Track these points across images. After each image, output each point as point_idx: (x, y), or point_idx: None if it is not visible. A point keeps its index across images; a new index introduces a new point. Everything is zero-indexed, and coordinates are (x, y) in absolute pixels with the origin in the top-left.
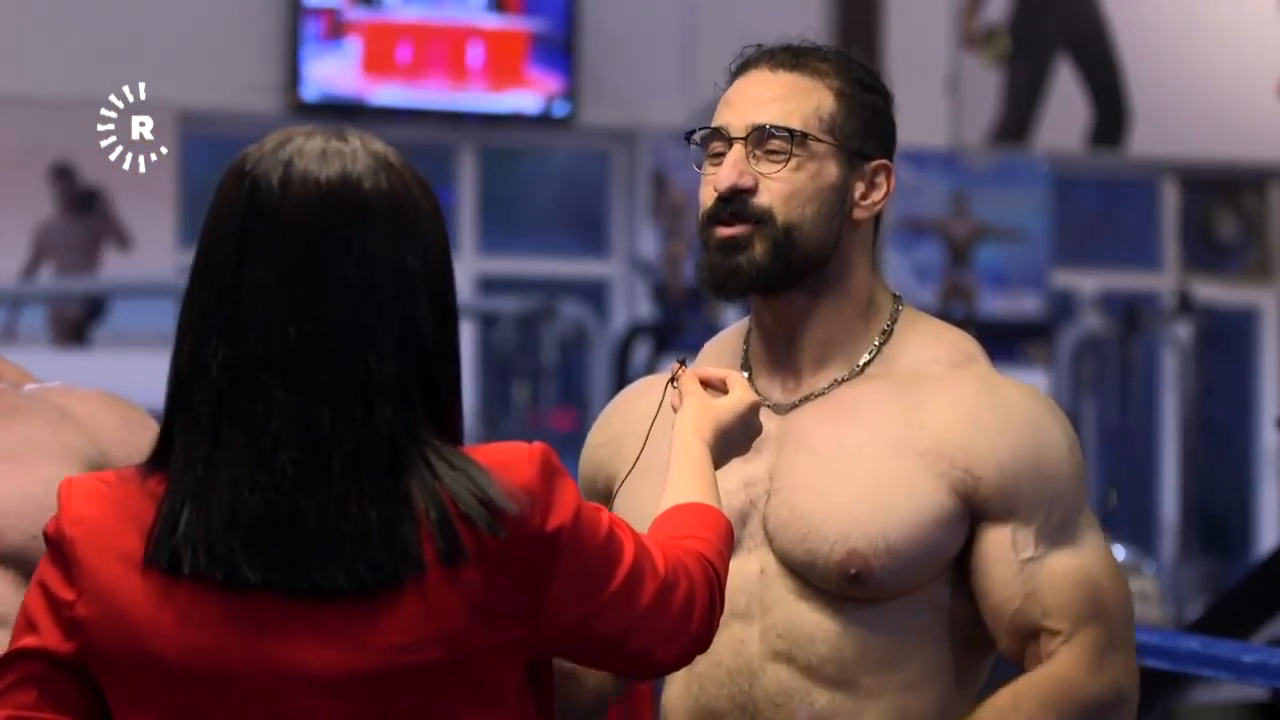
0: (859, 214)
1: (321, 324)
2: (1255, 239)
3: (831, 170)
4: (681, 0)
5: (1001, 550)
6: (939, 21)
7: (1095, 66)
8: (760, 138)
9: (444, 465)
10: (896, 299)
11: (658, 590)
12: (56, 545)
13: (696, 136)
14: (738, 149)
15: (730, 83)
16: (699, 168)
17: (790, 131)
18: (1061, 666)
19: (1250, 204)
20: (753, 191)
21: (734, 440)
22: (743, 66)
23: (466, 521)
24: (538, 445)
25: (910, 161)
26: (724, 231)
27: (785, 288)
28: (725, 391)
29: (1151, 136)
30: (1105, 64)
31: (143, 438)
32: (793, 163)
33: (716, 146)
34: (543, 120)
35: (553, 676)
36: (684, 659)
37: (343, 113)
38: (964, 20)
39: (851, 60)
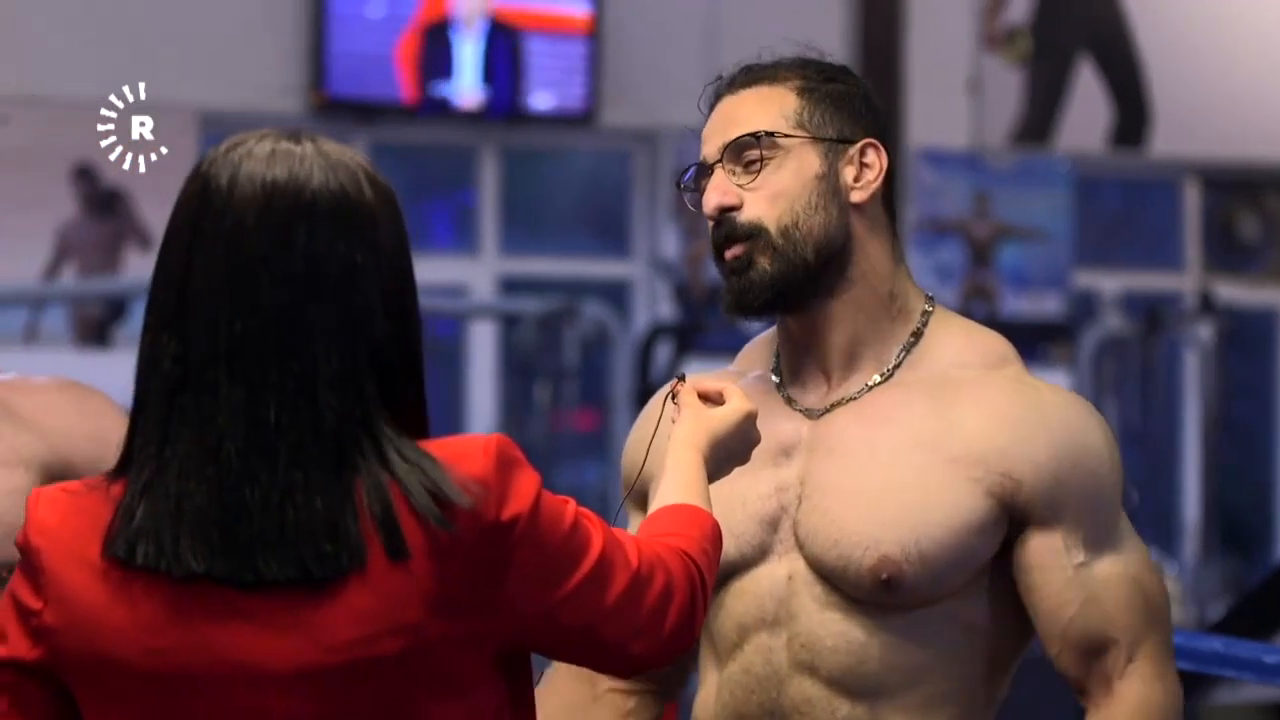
0: (856, 196)
1: (266, 318)
2: (1277, 239)
3: (812, 161)
4: (703, 0)
5: (1053, 556)
6: (960, 22)
7: (1117, 67)
8: (734, 153)
9: (396, 458)
10: (928, 299)
11: (629, 583)
12: (25, 555)
13: (686, 180)
14: (717, 173)
15: (705, 117)
16: (698, 209)
17: (756, 135)
18: (1141, 692)
19: (1272, 204)
20: (739, 207)
21: (731, 449)
22: (710, 100)
23: (417, 515)
24: (495, 436)
25: (932, 162)
26: (727, 255)
27: (810, 293)
28: (722, 402)
29: (1173, 137)
30: (1127, 64)
31: (103, 424)
32: (769, 165)
33: (704, 183)
34: (564, 120)
35: (529, 667)
36: (662, 655)
37: (364, 113)
38: (985, 21)
39: (810, 61)
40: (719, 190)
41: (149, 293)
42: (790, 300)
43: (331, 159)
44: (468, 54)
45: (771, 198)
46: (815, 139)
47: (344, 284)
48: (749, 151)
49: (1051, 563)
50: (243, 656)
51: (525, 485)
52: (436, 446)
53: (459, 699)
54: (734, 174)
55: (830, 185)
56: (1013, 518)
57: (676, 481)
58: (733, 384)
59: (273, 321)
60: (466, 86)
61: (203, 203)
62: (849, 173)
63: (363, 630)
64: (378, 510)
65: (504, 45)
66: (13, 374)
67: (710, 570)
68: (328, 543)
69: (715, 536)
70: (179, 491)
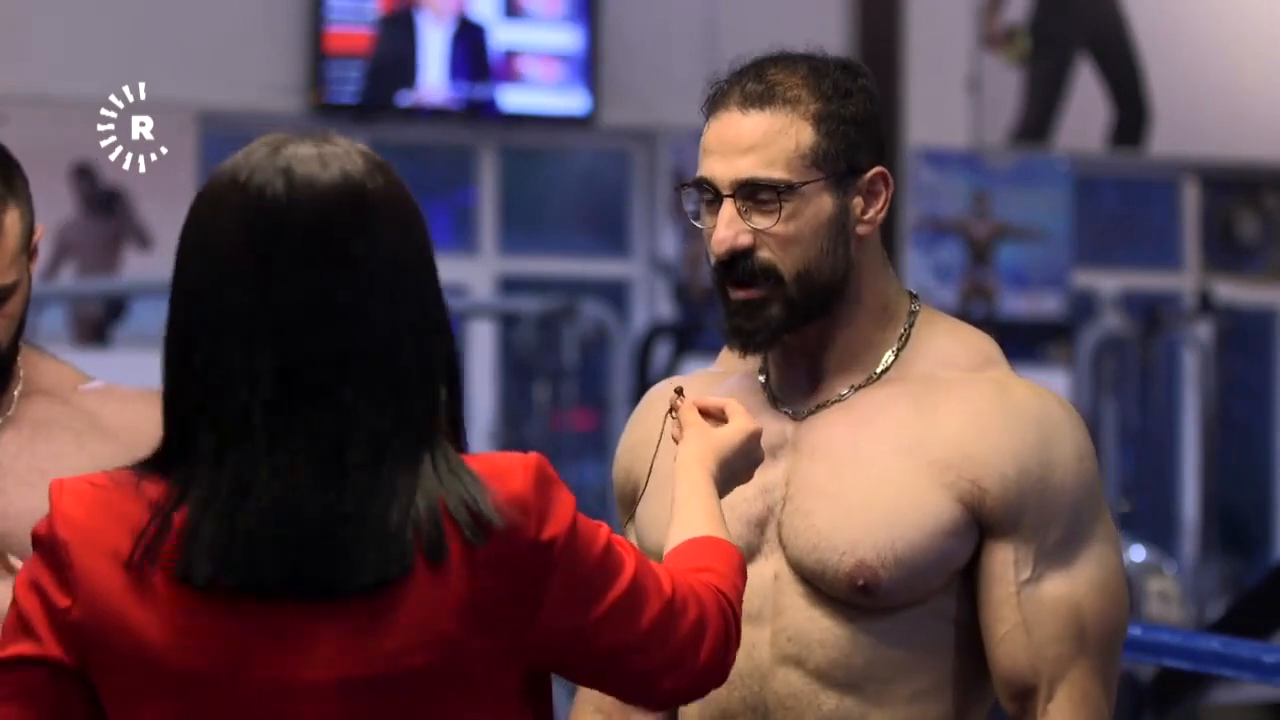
0: (863, 230)
1: (353, 326)
2: (1276, 239)
3: (826, 203)
4: (703, 0)
5: (1003, 569)
6: (960, 21)
7: (1116, 66)
8: (748, 192)
9: (445, 470)
10: (913, 299)
11: (662, 611)
12: (49, 548)
13: (689, 198)
14: (728, 207)
15: (707, 120)
16: (697, 220)
17: (775, 186)
18: None
19: (1271, 204)
20: (753, 248)
21: (736, 469)
22: (714, 105)
23: (458, 529)
24: (533, 455)
25: (931, 161)
26: (739, 295)
27: (808, 324)
28: (724, 420)
29: (1172, 136)
30: (1126, 63)
31: None
32: (785, 210)
33: (708, 196)
34: (563, 120)
35: (550, 689)
36: (694, 689)
37: (363, 113)
38: (985, 20)
39: (825, 68)
40: (733, 230)
41: (185, 302)
42: (791, 331)
43: (368, 158)
44: (466, 54)
45: (787, 244)
46: (830, 177)
47: (416, 280)
48: (765, 194)
49: (999, 575)
50: (276, 661)
51: (563, 506)
52: (476, 462)
53: (489, 713)
54: (746, 211)
55: (840, 224)
56: (979, 524)
57: (695, 510)
58: (734, 401)
59: (360, 328)
60: (465, 86)
61: (258, 212)
62: (857, 205)
63: (401, 641)
64: (423, 522)
65: (503, 45)
66: (100, 383)
67: (740, 604)
68: (373, 551)
69: (742, 568)
70: (245, 506)
